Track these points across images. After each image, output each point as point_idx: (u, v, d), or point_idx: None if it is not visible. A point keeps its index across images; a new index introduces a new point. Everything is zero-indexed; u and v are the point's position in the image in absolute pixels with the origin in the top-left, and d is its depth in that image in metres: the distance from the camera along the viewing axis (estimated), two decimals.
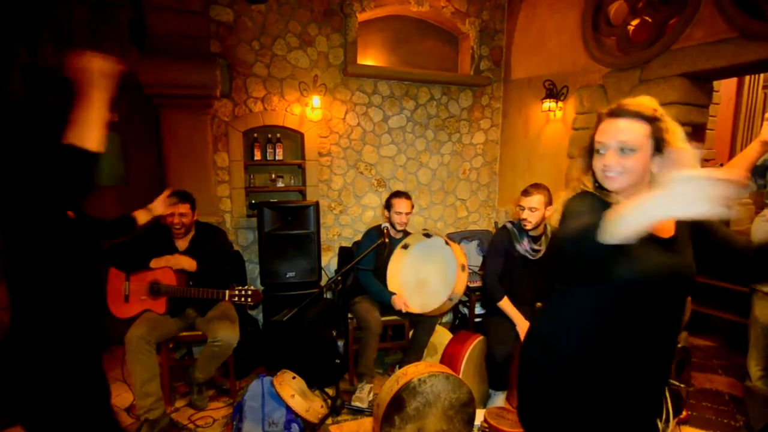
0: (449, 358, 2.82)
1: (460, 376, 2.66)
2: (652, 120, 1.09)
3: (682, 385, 2.70)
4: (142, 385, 2.49)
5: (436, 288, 2.90)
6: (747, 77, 5.26)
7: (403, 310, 2.90)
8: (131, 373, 2.51)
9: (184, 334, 2.79)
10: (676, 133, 1.09)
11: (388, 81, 4.08)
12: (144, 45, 3.16)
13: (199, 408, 2.79)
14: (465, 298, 3.75)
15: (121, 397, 2.87)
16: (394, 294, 2.97)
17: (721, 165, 5.33)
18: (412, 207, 3.19)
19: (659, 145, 1.08)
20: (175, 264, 2.58)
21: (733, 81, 5.19)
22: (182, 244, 2.75)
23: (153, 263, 2.60)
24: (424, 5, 4.06)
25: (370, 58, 4.17)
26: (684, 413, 2.78)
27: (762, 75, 5.47)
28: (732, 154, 5.44)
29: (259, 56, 3.62)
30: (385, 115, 4.12)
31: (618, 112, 1.13)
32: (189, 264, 2.61)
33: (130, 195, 3.62)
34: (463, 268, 2.72)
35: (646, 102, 1.12)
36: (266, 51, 3.63)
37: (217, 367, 2.77)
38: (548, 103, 3.84)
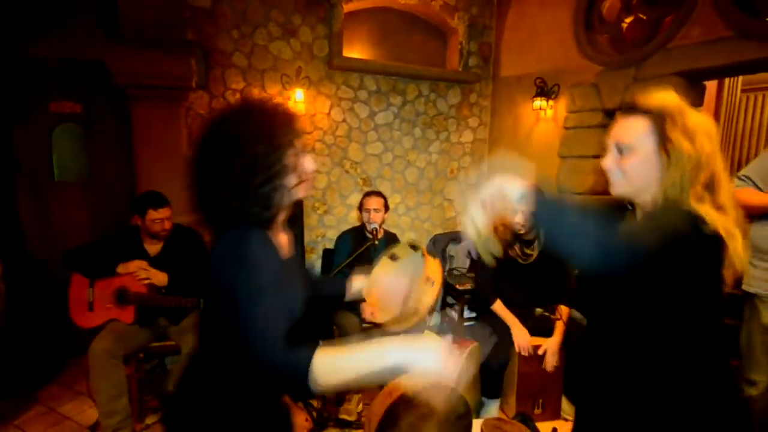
0: None
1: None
2: (657, 114, 0.95)
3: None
4: (109, 401, 2.27)
5: (405, 302, 2.75)
6: (727, 80, 5.32)
7: (368, 319, 2.76)
8: (95, 389, 2.28)
9: (156, 344, 2.56)
10: (690, 132, 0.93)
11: (375, 75, 3.92)
12: (114, 30, 2.91)
13: None
14: (453, 302, 3.65)
15: (85, 414, 2.63)
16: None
17: None
18: (386, 205, 3.12)
19: (663, 143, 0.94)
20: (145, 276, 2.36)
21: (713, 84, 5.24)
22: (153, 248, 2.52)
23: (120, 268, 2.37)
24: None
25: (356, 51, 4.01)
26: None
27: (740, 78, 5.56)
28: None
29: (239, 46, 3.41)
30: (371, 111, 3.96)
31: (627, 109, 1.01)
32: (160, 279, 2.39)
33: (95, 192, 3.36)
34: (427, 280, 2.60)
35: (659, 95, 0.98)
36: (246, 40, 3.42)
37: None
38: (539, 102, 3.76)
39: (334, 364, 0.85)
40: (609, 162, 1.02)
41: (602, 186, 3.77)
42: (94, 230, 3.28)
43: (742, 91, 5.78)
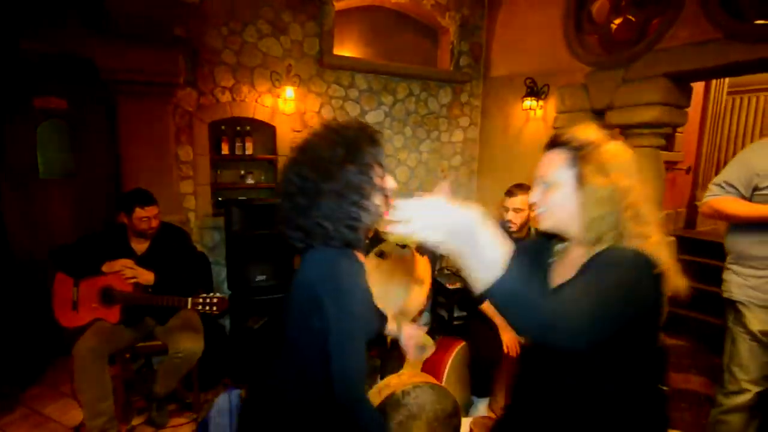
0: (431, 365, 2.69)
1: (444, 384, 2.53)
2: (574, 148, 0.95)
3: (664, 388, 2.67)
4: (94, 403, 2.24)
5: (394, 302, 2.74)
6: (713, 82, 5.39)
7: None
8: (80, 390, 2.24)
9: (142, 344, 2.52)
10: (604, 166, 0.91)
11: (366, 74, 3.90)
12: (101, 25, 2.86)
13: (158, 425, 2.53)
14: (443, 301, 3.65)
15: (69, 416, 2.58)
16: None
17: (689, 168, 5.46)
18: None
19: (580, 178, 0.94)
20: (131, 275, 2.32)
21: (699, 85, 5.30)
22: (140, 246, 2.48)
23: (106, 267, 2.32)
24: None
25: (347, 49, 3.99)
26: None
27: (726, 81, 5.63)
28: (698, 158, 5.58)
29: (228, 42, 3.37)
30: (362, 109, 3.95)
31: (549, 143, 1.02)
32: (146, 279, 2.35)
33: (80, 190, 3.30)
34: (417, 279, 2.59)
35: (581, 129, 0.98)
36: (236, 37, 3.38)
37: (179, 380, 2.53)
38: (529, 102, 3.77)
39: None
40: (535, 196, 1.02)
41: None
42: (80, 228, 3.22)
43: (728, 93, 5.86)
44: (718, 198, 1.97)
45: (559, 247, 1.10)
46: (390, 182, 1.09)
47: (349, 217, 0.98)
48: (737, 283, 2.02)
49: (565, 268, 1.01)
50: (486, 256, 0.73)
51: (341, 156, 0.99)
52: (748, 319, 1.98)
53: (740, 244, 2.01)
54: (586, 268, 0.91)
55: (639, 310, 0.86)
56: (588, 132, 0.97)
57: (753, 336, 1.97)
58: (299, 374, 1.05)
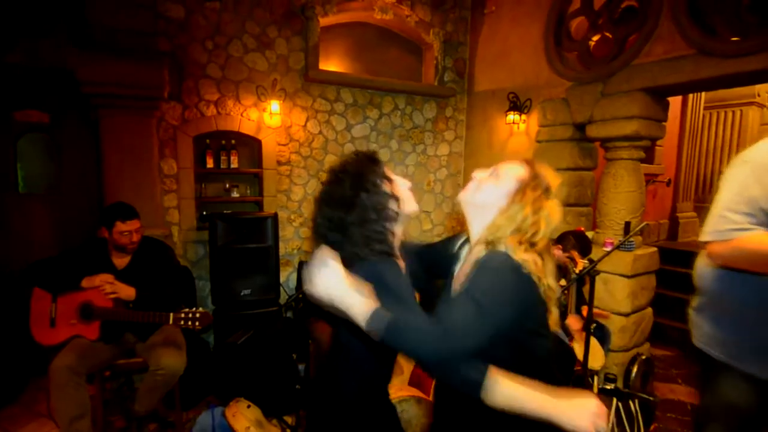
0: (418, 379, 2.66)
1: (431, 398, 2.50)
2: (533, 175, 1.14)
3: (651, 398, 2.69)
4: (71, 422, 2.16)
5: None
6: (690, 97, 5.55)
7: None
8: (56, 409, 2.17)
9: (122, 361, 2.46)
10: (538, 208, 1.09)
11: (352, 88, 3.94)
12: (83, 39, 2.85)
13: None
14: None
15: None
16: None
17: (669, 180, 5.58)
18: None
19: (516, 193, 1.14)
20: (111, 290, 2.27)
21: (677, 100, 5.45)
22: (121, 261, 2.43)
23: (85, 282, 2.27)
24: (388, 13, 3.97)
25: (332, 64, 4.02)
26: (653, 426, 2.76)
27: (703, 96, 5.80)
28: (678, 170, 5.71)
29: (213, 57, 3.38)
30: (348, 123, 3.97)
31: (525, 160, 1.22)
32: (127, 294, 2.30)
33: (62, 204, 3.24)
34: None
35: (550, 171, 1.15)
36: (221, 51, 3.40)
37: (161, 398, 2.46)
38: (512, 116, 3.84)
39: (511, 389, 0.96)
40: (479, 174, 1.18)
41: (574, 197, 3.83)
42: (60, 243, 3.16)
43: (705, 108, 6.03)
44: (753, 236, 1.25)
45: (462, 254, 1.26)
46: (402, 183, 1.23)
47: (375, 235, 1.13)
48: (713, 336, 1.52)
49: (462, 275, 1.15)
50: (355, 308, 0.95)
51: (350, 187, 1.14)
52: (722, 387, 1.50)
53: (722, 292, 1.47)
54: (469, 277, 1.04)
55: (516, 306, 1.00)
56: (553, 177, 1.13)
57: (728, 408, 1.48)
58: (354, 370, 1.23)
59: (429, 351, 0.94)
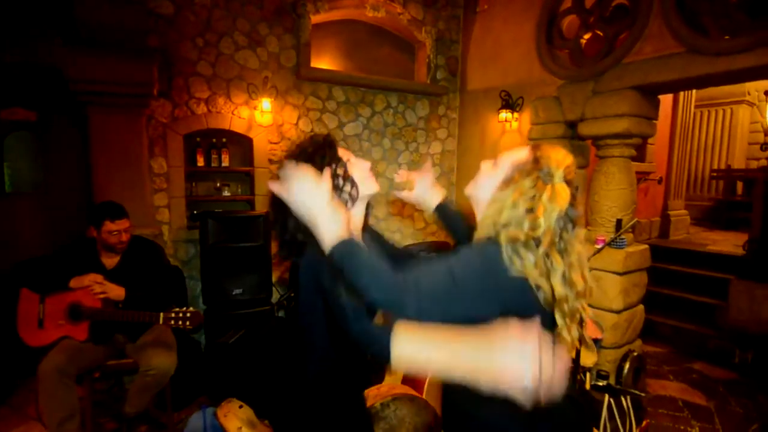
0: (412, 377, 2.66)
1: (424, 396, 2.50)
2: (544, 169, 1.00)
3: (642, 394, 2.70)
4: (59, 424, 2.13)
5: None
6: (681, 96, 5.59)
7: None
8: (45, 411, 2.14)
9: (112, 362, 2.43)
10: (545, 203, 0.95)
11: (344, 86, 3.92)
12: (71, 35, 2.80)
13: None
14: None
15: None
16: None
17: (661, 179, 5.62)
18: None
19: (511, 179, 1.04)
20: (100, 290, 2.24)
21: (669, 99, 5.49)
22: (110, 261, 2.40)
23: (74, 282, 2.24)
24: (380, 11, 3.96)
25: (324, 62, 4.00)
26: (644, 422, 2.78)
27: (694, 94, 5.85)
28: (669, 168, 5.75)
29: (203, 54, 3.35)
30: (340, 121, 3.96)
31: (533, 144, 1.17)
32: (116, 294, 2.27)
33: (49, 204, 3.20)
34: None
35: (555, 156, 1.03)
36: (211, 49, 3.37)
37: (151, 399, 2.44)
38: (504, 114, 3.84)
39: (420, 345, 0.85)
40: (484, 165, 1.12)
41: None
42: (48, 243, 3.11)
43: (696, 107, 6.09)
44: None
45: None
46: (360, 164, 1.19)
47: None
48: None
49: None
50: (325, 227, 0.89)
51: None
52: None
53: None
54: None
55: (495, 282, 0.92)
56: (554, 160, 0.98)
57: None
58: (311, 352, 1.17)
59: (380, 288, 0.85)
